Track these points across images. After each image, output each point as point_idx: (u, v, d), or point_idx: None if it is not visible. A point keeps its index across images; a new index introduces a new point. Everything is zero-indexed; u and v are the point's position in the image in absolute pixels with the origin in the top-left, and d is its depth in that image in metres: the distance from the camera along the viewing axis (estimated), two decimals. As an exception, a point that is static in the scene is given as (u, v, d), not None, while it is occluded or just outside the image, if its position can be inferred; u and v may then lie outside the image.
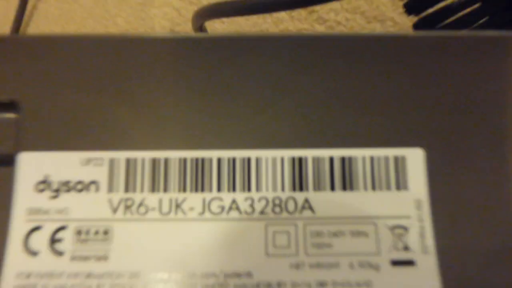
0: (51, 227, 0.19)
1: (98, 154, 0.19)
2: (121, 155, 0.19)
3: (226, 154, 0.19)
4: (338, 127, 0.20)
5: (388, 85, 0.20)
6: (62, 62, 0.20)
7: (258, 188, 0.19)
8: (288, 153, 0.19)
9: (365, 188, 0.19)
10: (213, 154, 0.19)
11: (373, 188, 0.19)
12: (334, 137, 0.19)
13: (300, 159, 0.19)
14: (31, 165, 0.19)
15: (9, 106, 0.20)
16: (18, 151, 0.19)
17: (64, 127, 0.20)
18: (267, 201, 0.19)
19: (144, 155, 0.19)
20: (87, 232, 0.19)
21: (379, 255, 0.18)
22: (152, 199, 0.19)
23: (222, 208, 0.19)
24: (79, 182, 0.19)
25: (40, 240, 0.19)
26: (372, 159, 0.19)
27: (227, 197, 0.19)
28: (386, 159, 0.19)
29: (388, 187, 0.19)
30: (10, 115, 0.20)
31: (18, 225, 0.19)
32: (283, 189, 0.19)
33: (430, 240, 0.18)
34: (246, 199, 0.19)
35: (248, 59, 0.20)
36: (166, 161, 0.19)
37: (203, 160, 0.19)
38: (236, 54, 0.20)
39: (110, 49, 0.20)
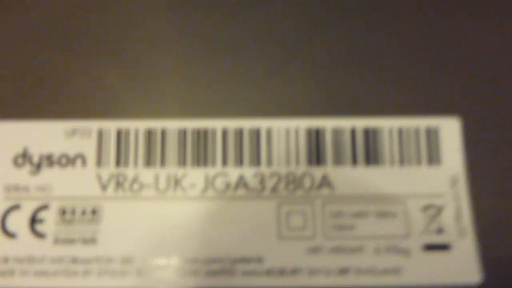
0: (31, 206, 0.16)
1: (84, 124, 0.17)
2: (112, 125, 0.17)
3: (232, 123, 0.17)
4: (361, 92, 0.17)
5: (418, 45, 0.17)
6: (39, 16, 0.18)
7: (269, 163, 0.17)
8: (304, 123, 0.17)
9: (392, 163, 0.17)
10: (217, 124, 0.17)
11: (401, 163, 0.16)
12: (356, 104, 0.17)
13: (318, 130, 0.17)
14: (7, 137, 0.17)
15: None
16: (-7, 120, 0.17)
17: (45, 92, 0.17)
18: (280, 177, 0.17)
19: (138, 125, 0.17)
20: (73, 212, 0.16)
21: (409, 238, 0.16)
22: (147, 174, 0.17)
23: (228, 185, 0.16)
24: (63, 156, 0.17)
25: (18, 221, 0.16)
26: (400, 130, 0.17)
27: (233, 172, 0.17)
28: (417, 130, 0.17)
29: (419, 162, 0.17)
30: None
31: (-7, 204, 0.16)
32: (297, 163, 0.17)
33: (467, 221, 0.16)
34: (255, 175, 0.17)
35: (257, 14, 0.18)
36: (164, 131, 0.17)
37: (206, 130, 0.17)
38: (244, 8, 0.18)
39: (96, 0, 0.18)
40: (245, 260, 0.16)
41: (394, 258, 0.16)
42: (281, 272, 0.16)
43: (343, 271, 0.16)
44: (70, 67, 0.17)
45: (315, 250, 0.16)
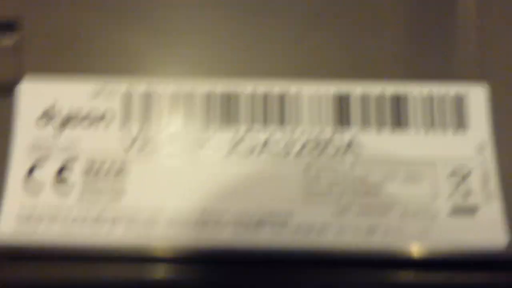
0: (55, 163, 0.16)
1: (111, 84, 0.17)
2: (138, 86, 0.17)
3: (259, 86, 0.17)
4: (390, 58, 0.17)
5: (447, 11, 0.17)
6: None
7: (295, 126, 0.17)
8: (332, 86, 0.17)
9: (420, 128, 0.16)
10: (244, 86, 0.17)
11: (429, 129, 0.16)
12: (385, 70, 0.17)
13: (346, 94, 0.17)
14: (34, 95, 0.17)
15: (10, 26, 0.17)
16: (20, 79, 0.17)
17: (72, 51, 0.17)
18: (306, 141, 0.17)
19: (164, 87, 0.17)
20: (97, 171, 0.16)
21: (436, 202, 0.16)
22: (171, 135, 0.17)
23: (253, 148, 0.16)
24: (89, 115, 0.17)
25: (43, 178, 0.16)
26: (428, 96, 0.17)
27: (259, 136, 0.17)
28: (445, 97, 0.17)
29: (446, 128, 0.16)
30: (10, 39, 0.17)
31: (18, 162, 0.16)
32: (324, 127, 0.17)
33: (494, 185, 0.16)
34: (281, 138, 0.17)
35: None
36: (190, 93, 0.17)
37: (233, 92, 0.17)
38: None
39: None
40: (273, 218, 0.16)
41: (421, 221, 0.16)
42: (309, 230, 0.16)
43: (370, 231, 0.16)
44: (98, 26, 0.17)
45: (343, 211, 0.16)
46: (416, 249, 0.15)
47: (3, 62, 0.17)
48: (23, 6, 0.17)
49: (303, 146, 0.16)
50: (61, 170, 0.16)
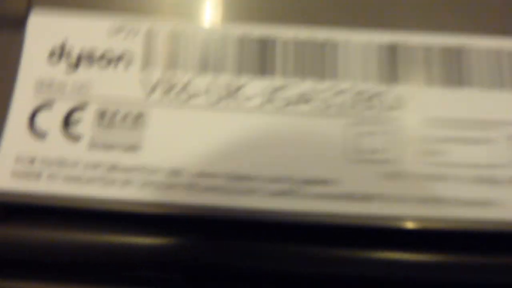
0: (65, 105, 0.14)
1: (133, 21, 0.15)
2: (163, 25, 0.15)
3: (297, 32, 0.15)
4: (449, 9, 0.15)
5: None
6: None
7: (336, 78, 0.15)
8: (378, 36, 0.15)
9: (479, 85, 0.15)
10: (281, 32, 0.15)
11: (490, 86, 0.15)
12: (439, 18, 0.15)
13: (394, 45, 0.15)
14: (43, 30, 0.15)
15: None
16: (30, 9, 0.15)
17: (91, -16, 0.15)
18: (349, 94, 0.15)
19: (194, 28, 0.15)
20: (113, 115, 0.14)
21: (501, 167, 0.14)
22: (199, 82, 0.15)
23: (290, 99, 0.14)
24: (106, 54, 0.15)
25: (50, 120, 0.14)
26: (488, 49, 0.15)
27: (296, 86, 0.15)
28: (508, 52, 0.15)
29: (510, 86, 0.15)
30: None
31: (23, 100, 0.14)
32: (369, 80, 0.15)
33: None
34: (321, 90, 0.15)
35: None
36: (222, 36, 0.15)
37: (268, 38, 0.15)
38: None
39: None
40: (310, 182, 0.14)
41: (484, 188, 0.13)
42: (351, 197, 0.13)
43: (426, 200, 0.13)
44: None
45: (392, 176, 0.14)
46: (474, 221, 0.13)
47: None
48: None
49: (344, 100, 0.14)
50: (70, 114, 0.14)
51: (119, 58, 0.15)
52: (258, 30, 0.15)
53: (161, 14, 0.15)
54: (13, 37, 0.15)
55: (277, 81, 0.15)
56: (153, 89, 0.14)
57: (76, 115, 0.14)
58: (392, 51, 0.15)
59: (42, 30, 0.15)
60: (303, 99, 0.15)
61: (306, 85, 0.15)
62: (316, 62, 0.15)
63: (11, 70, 0.14)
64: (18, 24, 0.15)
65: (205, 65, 0.15)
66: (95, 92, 0.14)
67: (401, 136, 0.14)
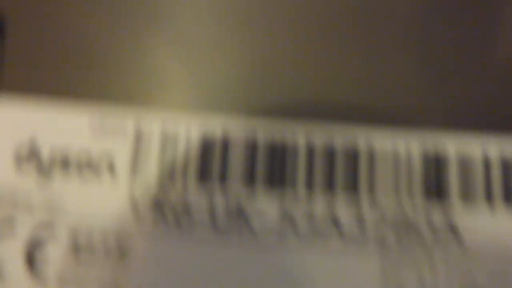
0: (28, 230, 0.11)
1: (118, 117, 0.12)
2: (156, 121, 0.12)
3: (318, 133, 0.12)
4: (502, 106, 0.13)
5: None
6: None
7: (371, 194, 0.12)
8: (418, 140, 0.12)
9: (545, 207, 0.12)
10: (299, 133, 0.12)
11: None
12: (488, 119, 0.12)
13: (438, 153, 0.12)
14: (10, 122, 0.12)
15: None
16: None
17: (68, 67, 0.12)
18: (385, 217, 0.12)
19: (192, 124, 0.12)
20: (91, 250, 0.11)
21: None
22: (202, 197, 0.12)
23: (312, 223, 0.12)
24: (85, 158, 0.12)
25: (9, 254, 0.11)
26: None
27: (320, 206, 0.12)
28: None
29: None
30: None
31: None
32: (411, 196, 0.12)
33: None
34: (352, 214, 0.12)
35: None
36: (225, 136, 0.12)
37: (284, 141, 0.12)
38: None
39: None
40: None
41: None
42: None
43: None
44: (100, 36, 0.12)
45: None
46: None
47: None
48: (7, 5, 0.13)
49: (381, 225, 0.12)
50: (36, 243, 0.11)
51: (101, 164, 0.12)
52: (268, 127, 0.12)
53: (154, 105, 0.12)
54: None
55: (295, 196, 0.12)
56: (143, 208, 0.12)
57: (42, 245, 0.11)
58: (434, 160, 0.12)
59: (7, 123, 0.12)
60: (329, 223, 0.12)
61: (333, 206, 0.12)
62: (343, 174, 0.12)
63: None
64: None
65: (207, 174, 0.12)
66: (69, 212, 0.11)
67: (435, 272, 0.11)
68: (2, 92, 0.12)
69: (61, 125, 0.12)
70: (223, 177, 0.12)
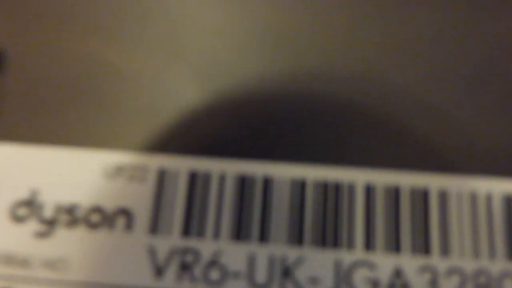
0: (29, 296, 0.09)
1: (138, 159, 0.10)
2: (183, 163, 0.10)
3: (371, 176, 0.10)
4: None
5: None
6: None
7: (444, 250, 0.10)
8: (499, 184, 0.10)
9: None
10: (356, 176, 0.10)
11: None
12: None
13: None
14: (6, 173, 0.10)
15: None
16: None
17: (75, 110, 0.11)
18: (464, 276, 0.10)
19: (226, 167, 0.10)
20: (102, 315, 0.09)
21: None
22: (236, 254, 0.10)
23: (375, 285, 0.09)
24: (96, 210, 0.10)
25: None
26: None
27: (383, 263, 0.10)
28: None
29: None
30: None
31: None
32: (492, 254, 0.10)
33: None
34: (421, 268, 0.10)
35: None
36: (267, 180, 0.10)
37: (340, 184, 0.10)
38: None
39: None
40: None
41: None
42: None
43: None
44: (114, 65, 0.11)
45: None
46: None
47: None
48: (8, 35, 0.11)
49: (459, 286, 0.09)
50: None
51: (116, 216, 0.10)
52: (317, 172, 0.10)
53: (182, 149, 0.10)
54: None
55: (352, 253, 0.10)
56: (164, 266, 0.09)
57: (44, 314, 0.09)
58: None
59: (4, 172, 0.10)
60: (396, 283, 0.09)
61: (398, 260, 0.10)
62: (409, 222, 0.10)
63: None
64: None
65: (242, 227, 0.10)
66: (75, 273, 0.09)
67: None
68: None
69: (66, 171, 0.10)
70: (265, 234, 0.10)
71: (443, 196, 0.10)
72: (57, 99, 0.10)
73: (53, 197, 0.10)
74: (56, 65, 0.11)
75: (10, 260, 0.09)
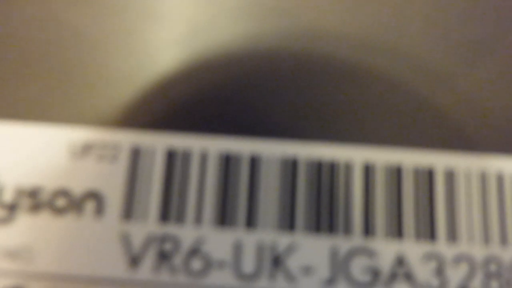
0: (-14, 290, 0.08)
1: (108, 135, 0.09)
2: (159, 139, 0.09)
3: (374, 159, 0.09)
4: None
5: None
6: None
7: (451, 235, 0.09)
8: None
9: None
10: (355, 154, 0.09)
11: None
12: None
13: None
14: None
15: None
16: None
17: (37, 74, 0.09)
18: (472, 263, 0.09)
19: (208, 143, 0.09)
20: (69, 310, 0.08)
21: None
22: (220, 241, 0.09)
23: (375, 272, 0.09)
24: (62, 193, 0.09)
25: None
26: None
27: (385, 248, 0.09)
28: None
29: None
30: None
31: None
32: (504, 240, 0.09)
33: None
34: (424, 257, 0.09)
35: None
36: (255, 160, 0.09)
37: (328, 174, 0.09)
38: None
39: None
40: None
41: None
42: None
43: None
44: (94, 27, 0.09)
45: None
46: None
47: None
48: None
49: (468, 274, 0.09)
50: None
51: (85, 199, 0.09)
52: (308, 150, 0.09)
53: (151, 124, 0.09)
54: None
55: (350, 237, 0.09)
56: (140, 254, 0.08)
57: (3, 309, 0.08)
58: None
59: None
60: (398, 271, 0.09)
61: (400, 246, 0.09)
62: (413, 203, 0.09)
63: None
64: None
65: (226, 213, 0.09)
66: (40, 263, 0.08)
67: None
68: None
69: (29, 148, 0.09)
70: (254, 219, 0.09)
71: (450, 176, 0.09)
72: (17, 68, 0.09)
73: (13, 179, 0.09)
74: (16, 30, 0.09)
75: (-35, 249, 0.08)
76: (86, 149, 0.09)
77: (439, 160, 0.09)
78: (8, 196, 0.09)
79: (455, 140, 0.09)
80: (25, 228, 0.08)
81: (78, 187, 0.09)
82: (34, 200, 0.09)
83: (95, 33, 0.09)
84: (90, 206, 0.09)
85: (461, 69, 0.10)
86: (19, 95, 0.09)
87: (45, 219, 0.09)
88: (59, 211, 0.09)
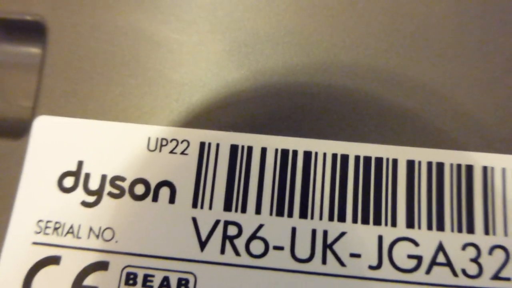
0: (76, 265, 0.10)
1: (182, 131, 0.10)
2: (223, 138, 0.10)
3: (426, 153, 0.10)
4: None
5: None
6: None
7: (489, 229, 0.10)
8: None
9: None
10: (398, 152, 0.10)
11: None
12: None
13: None
14: (53, 143, 0.10)
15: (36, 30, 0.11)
16: (34, 116, 0.11)
17: (118, 78, 0.11)
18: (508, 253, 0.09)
19: (272, 141, 0.10)
20: (145, 284, 0.09)
21: None
22: (279, 226, 0.10)
23: (418, 260, 0.09)
24: (140, 182, 0.10)
25: (54, 289, 0.09)
26: None
27: (425, 238, 0.10)
28: None
29: None
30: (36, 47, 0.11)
31: (17, 255, 0.10)
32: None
33: None
34: (463, 246, 0.09)
35: None
36: (307, 155, 0.10)
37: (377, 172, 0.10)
38: None
39: None
40: None
41: None
42: None
43: None
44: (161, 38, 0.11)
45: None
46: None
47: (23, 93, 0.11)
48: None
49: (503, 264, 0.09)
50: (83, 276, 0.09)
51: (160, 188, 0.10)
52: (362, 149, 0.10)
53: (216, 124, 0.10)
54: (13, 152, 0.10)
55: (394, 229, 0.10)
56: (207, 239, 0.10)
57: (93, 278, 0.09)
58: None
59: (49, 144, 0.10)
60: (436, 259, 0.09)
61: (440, 235, 0.10)
62: (453, 198, 0.10)
63: (7, 198, 0.10)
64: (19, 135, 0.10)
65: (284, 203, 0.10)
66: (123, 243, 0.10)
67: None
68: (42, 110, 0.10)
69: (113, 142, 0.10)
70: (313, 210, 0.10)
71: (485, 173, 0.10)
72: (99, 72, 0.10)
73: (99, 169, 0.10)
74: (99, 38, 0.11)
75: (58, 228, 0.10)
76: (161, 145, 0.10)
77: (476, 160, 0.10)
78: (94, 184, 0.10)
79: (493, 142, 0.10)
80: (108, 212, 0.10)
81: (154, 177, 0.10)
82: (117, 187, 0.10)
83: (171, 43, 0.11)
84: (164, 194, 0.10)
85: (498, 77, 0.10)
86: (104, 96, 0.10)
87: (125, 205, 0.10)
88: (137, 198, 0.10)
